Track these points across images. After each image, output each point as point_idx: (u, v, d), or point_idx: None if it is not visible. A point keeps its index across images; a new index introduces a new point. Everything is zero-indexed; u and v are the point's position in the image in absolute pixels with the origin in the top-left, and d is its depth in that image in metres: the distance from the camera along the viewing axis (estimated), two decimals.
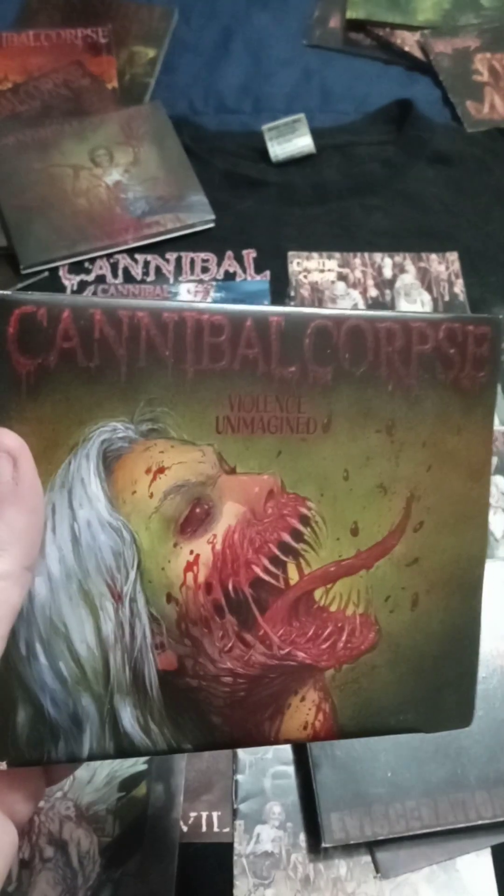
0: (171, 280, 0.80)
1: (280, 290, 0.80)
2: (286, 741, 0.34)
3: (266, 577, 0.32)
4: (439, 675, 0.35)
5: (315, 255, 0.82)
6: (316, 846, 0.53)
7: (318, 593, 0.33)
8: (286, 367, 0.32)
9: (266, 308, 0.32)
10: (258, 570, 0.32)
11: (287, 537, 0.33)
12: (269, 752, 0.57)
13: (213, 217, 0.83)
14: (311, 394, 0.32)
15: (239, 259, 0.81)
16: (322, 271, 0.81)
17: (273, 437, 0.32)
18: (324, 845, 0.53)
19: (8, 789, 0.32)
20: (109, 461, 0.31)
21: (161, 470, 0.31)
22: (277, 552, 0.32)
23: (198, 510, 0.32)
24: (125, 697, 0.31)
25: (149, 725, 0.32)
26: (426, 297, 0.80)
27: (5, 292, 0.29)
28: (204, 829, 0.54)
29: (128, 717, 0.31)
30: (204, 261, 0.81)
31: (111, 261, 0.80)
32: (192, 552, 0.32)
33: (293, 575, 0.33)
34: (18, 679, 0.30)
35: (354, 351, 0.32)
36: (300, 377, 0.32)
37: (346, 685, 0.34)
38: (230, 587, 0.32)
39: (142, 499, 0.31)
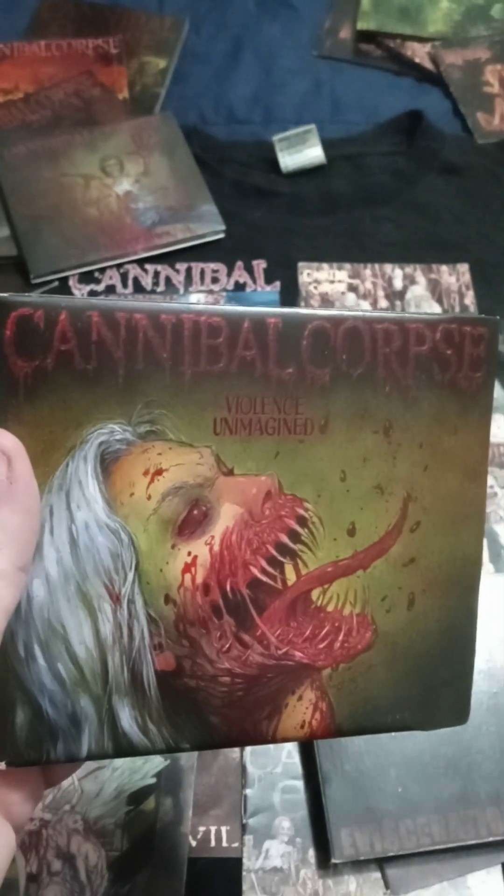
0: (182, 290, 0.80)
1: (290, 300, 0.80)
2: (283, 740, 0.34)
3: (263, 578, 0.32)
4: (436, 674, 0.35)
5: (325, 265, 0.82)
6: (325, 862, 0.53)
7: (315, 594, 0.33)
8: (284, 369, 0.32)
9: (264, 309, 0.32)
10: (256, 571, 0.32)
11: (284, 538, 0.33)
12: (279, 766, 0.57)
13: (223, 227, 0.83)
14: (308, 395, 0.32)
15: (249, 269, 0.81)
16: (332, 282, 0.81)
17: (271, 439, 0.32)
18: (333, 861, 0.52)
19: (6, 790, 0.31)
20: (107, 463, 0.31)
21: (159, 472, 0.31)
22: (275, 553, 0.32)
23: (196, 512, 0.32)
24: (123, 698, 0.31)
25: (147, 725, 0.32)
26: (437, 308, 0.79)
27: (2, 294, 0.29)
28: (213, 843, 0.54)
29: (126, 718, 0.31)
30: (214, 271, 0.81)
31: (121, 271, 0.80)
32: (189, 554, 0.32)
33: (290, 576, 0.33)
34: (17, 680, 0.30)
35: (352, 352, 0.32)
36: (298, 378, 0.32)
37: (343, 684, 0.34)
38: (228, 588, 0.32)
39: (140, 501, 0.31)
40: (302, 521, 0.33)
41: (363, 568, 0.34)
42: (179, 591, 0.32)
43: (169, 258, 0.82)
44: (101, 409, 0.30)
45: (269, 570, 0.32)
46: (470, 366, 0.34)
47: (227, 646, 0.32)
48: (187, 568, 0.32)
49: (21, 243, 0.80)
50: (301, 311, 0.32)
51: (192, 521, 0.32)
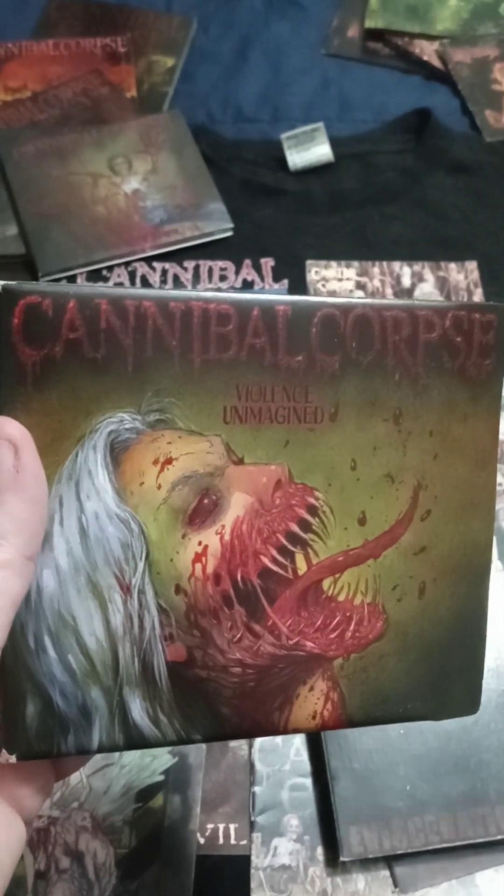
0: (189, 288, 0.80)
1: None
2: (295, 731, 0.34)
3: (274, 568, 0.32)
4: (447, 663, 0.35)
5: (333, 263, 0.82)
6: (334, 860, 0.53)
7: (326, 583, 0.33)
8: (293, 357, 0.32)
9: (273, 297, 0.32)
10: (266, 561, 0.32)
11: (295, 527, 0.32)
12: (287, 763, 0.56)
13: (231, 225, 0.83)
14: (318, 383, 0.32)
15: (257, 267, 0.81)
16: (340, 280, 0.80)
17: (281, 427, 0.32)
18: (342, 859, 0.52)
19: (17, 783, 0.31)
20: (117, 452, 0.30)
21: (169, 461, 0.31)
22: (286, 542, 0.32)
23: (206, 501, 0.32)
24: (134, 689, 0.31)
25: (158, 717, 0.32)
26: None
27: (10, 283, 0.29)
28: (221, 841, 0.54)
29: (137, 709, 0.31)
30: (222, 269, 0.81)
31: (129, 269, 0.80)
32: (200, 543, 0.31)
33: (301, 565, 0.33)
34: (27, 672, 0.30)
35: (361, 340, 0.32)
36: (307, 366, 0.32)
37: (354, 674, 0.34)
38: (239, 578, 0.32)
39: (150, 490, 0.31)
40: (312, 511, 0.33)
41: (374, 557, 0.34)
42: (190, 581, 0.31)
43: (177, 256, 0.82)
44: (111, 397, 0.30)
45: (280, 559, 0.32)
46: (479, 353, 0.34)
47: (239, 636, 0.32)
48: (198, 558, 0.31)
49: (29, 242, 0.80)
50: (310, 298, 0.32)
51: (202, 510, 0.31)
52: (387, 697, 0.34)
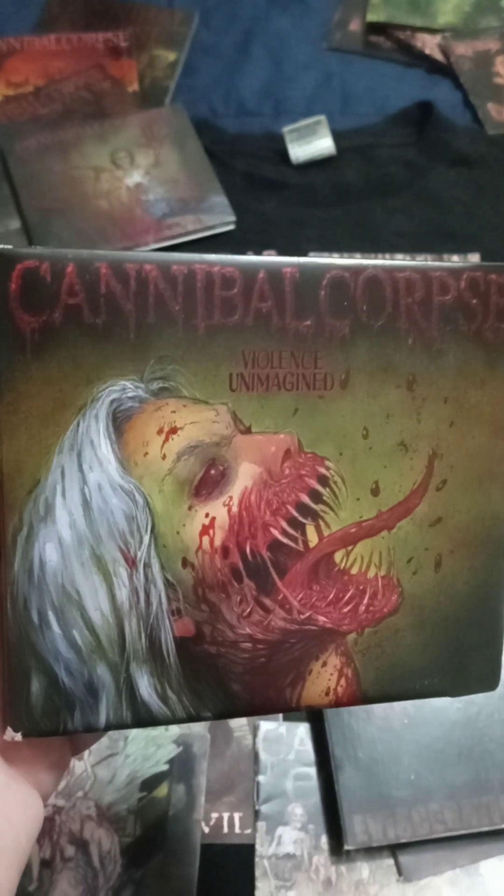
0: None
1: None
2: (308, 707, 0.33)
3: (284, 540, 0.31)
4: (464, 638, 0.34)
5: (336, 256, 0.81)
6: (338, 848, 0.53)
7: (338, 556, 0.32)
8: (301, 321, 0.31)
9: (279, 259, 0.31)
10: (276, 533, 0.31)
11: (305, 498, 0.31)
12: (291, 753, 0.56)
13: (233, 219, 0.83)
14: (327, 348, 0.31)
15: None
16: None
17: (289, 395, 0.31)
18: (346, 848, 0.52)
19: (33, 758, 0.31)
20: (119, 422, 0.30)
21: (173, 430, 0.30)
22: (296, 514, 0.31)
23: (212, 471, 0.31)
24: (142, 665, 0.31)
25: (167, 694, 0.31)
26: None
27: (6, 246, 0.28)
28: (225, 830, 0.54)
29: (145, 686, 0.31)
30: None
31: None
32: (207, 515, 0.31)
33: (312, 537, 0.32)
34: (31, 648, 0.30)
35: (372, 302, 0.31)
36: (316, 331, 0.31)
37: (368, 649, 0.33)
38: (248, 551, 0.31)
39: (154, 460, 0.30)
40: (323, 481, 0.32)
41: (388, 528, 0.32)
42: (197, 554, 0.31)
43: (179, 249, 0.81)
44: (112, 365, 0.29)
45: (290, 531, 0.31)
46: (496, 316, 0.33)
47: (248, 610, 0.31)
48: (205, 530, 0.31)
49: (32, 236, 0.80)
50: (319, 260, 0.31)
51: (208, 481, 0.31)
52: (402, 673, 0.34)
